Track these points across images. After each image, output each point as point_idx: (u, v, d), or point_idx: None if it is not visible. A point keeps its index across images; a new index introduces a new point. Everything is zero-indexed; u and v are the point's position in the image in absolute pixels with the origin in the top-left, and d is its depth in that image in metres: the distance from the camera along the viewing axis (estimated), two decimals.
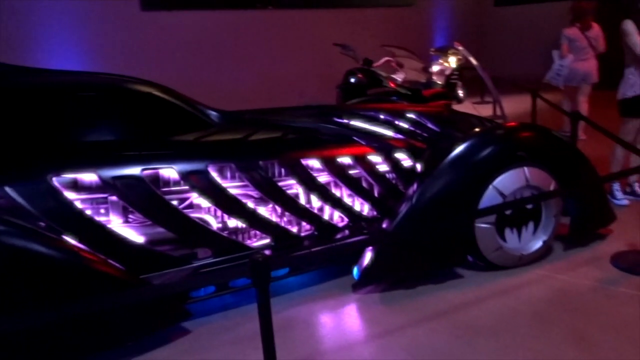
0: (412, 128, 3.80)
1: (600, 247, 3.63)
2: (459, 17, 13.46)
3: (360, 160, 3.31)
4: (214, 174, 2.90)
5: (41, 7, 7.17)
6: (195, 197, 2.90)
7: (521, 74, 9.53)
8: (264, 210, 3.08)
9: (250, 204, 3.01)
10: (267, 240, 3.10)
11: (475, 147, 3.23)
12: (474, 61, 6.00)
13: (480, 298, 3.05)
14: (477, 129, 3.58)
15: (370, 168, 3.33)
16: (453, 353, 2.57)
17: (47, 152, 2.71)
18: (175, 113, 3.21)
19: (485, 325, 2.78)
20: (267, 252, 3.04)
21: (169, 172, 2.83)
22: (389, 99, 5.49)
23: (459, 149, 3.23)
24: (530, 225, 3.36)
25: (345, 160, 3.28)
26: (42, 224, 2.54)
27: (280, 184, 3.08)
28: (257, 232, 3.09)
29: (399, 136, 3.63)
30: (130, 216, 2.77)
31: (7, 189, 2.49)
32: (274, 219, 3.11)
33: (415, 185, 3.21)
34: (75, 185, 2.66)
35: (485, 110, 7.84)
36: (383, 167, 3.39)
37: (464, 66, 9.76)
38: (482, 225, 3.17)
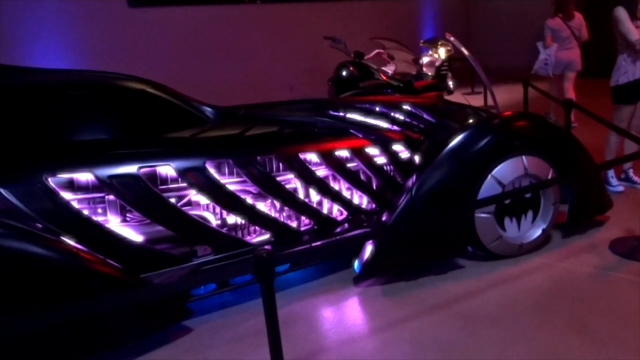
0: (408, 119, 3.79)
1: (598, 234, 3.65)
2: (447, 9, 13.45)
3: (358, 153, 3.28)
4: (212, 171, 2.87)
5: (28, 6, 7.07)
6: (194, 194, 2.86)
7: (508, 65, 9.57)
8: (262, 206, 3.05)
9: (249, 200, 2.98)
10: (266, 236, 3.08)
11: (472, 137, 3.23)
12: (465, 51, 5.97)
13: (481, 288, 3.05)
14: (473, 119, 3.58)
15: (367, 161, 3.31)
16: (457, 344, 2.56)
17: (42, 152, 2.66)
18: (170, 110, 3.18)
19: (487, 314, 2.79)
20: (266, 247, 3.02)
21: (166, 169, 2.79)
22: (383, 91, 5.46)
23: (457, 139, 3.22)
24: (530, 214, 3.36)
25: (343, 153, 3.26)
26: (39, 225, 2.50)
27: (278, 178, 3.06)
28: (257, 228, 3.06)
29: (396, 128, 3.62)
30: (128, 215, 2.73)
31: (2, 191, 2.45)
32: (273, 214, 3.09)
33: (413, 177, 3.20)
34: (72, 185, 2.62)
35: (476, 101, 7.83)
36: (380, 160, 3.38)
37: (452, 57, 9.76)
38: (482, 215, 3.17)
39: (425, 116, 3.84)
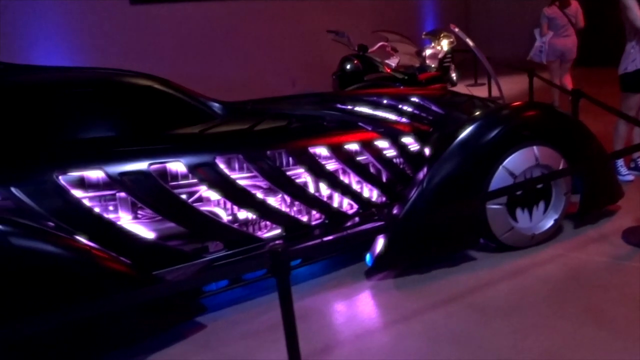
0: (416, 112, 3.77)
1: (610, 223, 3.63)
2: (447, 0, 13.41)
3: (367, 146, 3.27)
4: (222, 166, 2.85)
5: (29, 5, 7.04)
6: (204, 190, 2.85)
7: (509, 55, 9.54)
8: (273, 201, 3.04)
9: (260, 195, 2.97)
10: (277, 231, 3.06)
11: (483, 128, 3.20)
12: (470, 42, 5.96)
13: (494, 279, 3.04)
14: (482, 110, 3.55)
15: (377, 153, 3.29)
16: (472, 335, 2.55)
17: (52, 150, 2.65)
18: (177, 106, 3.16)
19: (501, 306, 2.77)
20: (277, 242, 3.01)
21: (177, 165, 2.78)
22: (388, 84, 5.44)
23: (467, 130, 3.19)
24: (541, 204, 3.34)
25: (352, 146, 3.24)
26: (51, 223, 2.49)
27: (288, 173, 3.04)
28: (268, 223, 3.05)
29: (404, 120, 3.60)
30: (139, 212, 2.72)
31: (13, 190, 2.44)
32: (284, 208, 3.07)
33: (424, 169, 3.18)
34: (82, 183, 2.61)
35: (480, 93, 7.82)
36: (390, 152, 3.36)
37: (455, 49, 9.73)
38: (494, 206, 3.15)
39: (433, 108, 3.81)
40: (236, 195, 2.88)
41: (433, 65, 9.25)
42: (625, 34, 4.38)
